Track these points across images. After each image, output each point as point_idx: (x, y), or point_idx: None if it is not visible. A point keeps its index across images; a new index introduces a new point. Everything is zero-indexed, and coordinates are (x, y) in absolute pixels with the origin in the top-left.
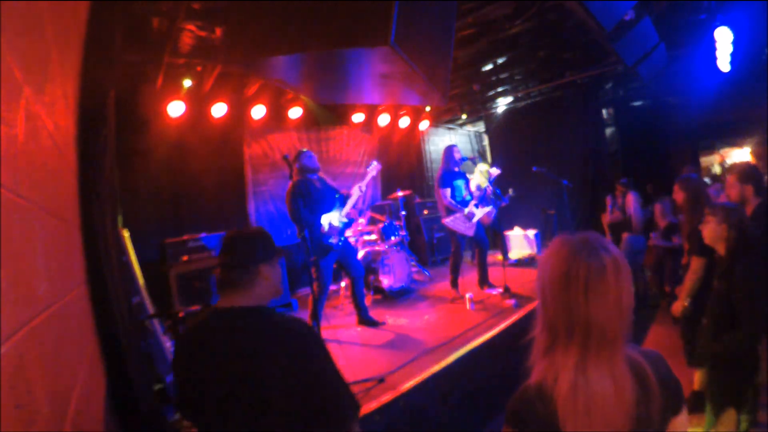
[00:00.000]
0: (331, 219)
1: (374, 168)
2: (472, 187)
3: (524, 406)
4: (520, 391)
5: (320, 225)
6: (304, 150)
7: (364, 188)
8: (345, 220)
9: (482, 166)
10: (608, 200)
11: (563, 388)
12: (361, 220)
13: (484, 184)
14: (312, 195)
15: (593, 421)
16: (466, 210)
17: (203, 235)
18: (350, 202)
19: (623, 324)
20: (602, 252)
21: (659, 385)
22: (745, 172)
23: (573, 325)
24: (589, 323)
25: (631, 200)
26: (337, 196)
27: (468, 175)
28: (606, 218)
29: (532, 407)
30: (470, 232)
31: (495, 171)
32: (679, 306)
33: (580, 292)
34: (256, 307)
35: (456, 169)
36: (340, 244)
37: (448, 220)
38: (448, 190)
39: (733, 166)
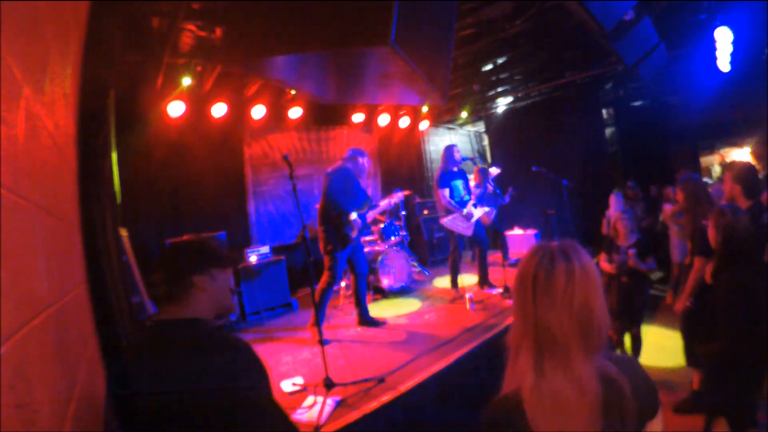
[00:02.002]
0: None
1: (397, 196)
2: (471, 186)
3: (497, 416)
4: (493, 402)
5: (349, 213)
6: (365, 152)
7: (395, 201)
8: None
9: (474, 166)
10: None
11: (526, 391)
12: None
13: (474, 183)
14: (353, 188)
15: (563, 422)
16: (465, 210)
17: (203, 235)
18: (375, 213)
19: (577, 329)
20: (560, 257)
21: (634, 393)
22: (738, 172)
23: (526, 326)
24: (537, 324)
25: (612, 202)
26: (368, 199)
27: (468, 176)
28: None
29: (505, 417)
30: (468, 232)
31: (495, 170)
32: (681, 305)
33: (529, 292)
34: (189, 319)
35: (455, 169)
36: (357, 240)
37: (446, 220)
38: (447, 191)
39: (732, 164)
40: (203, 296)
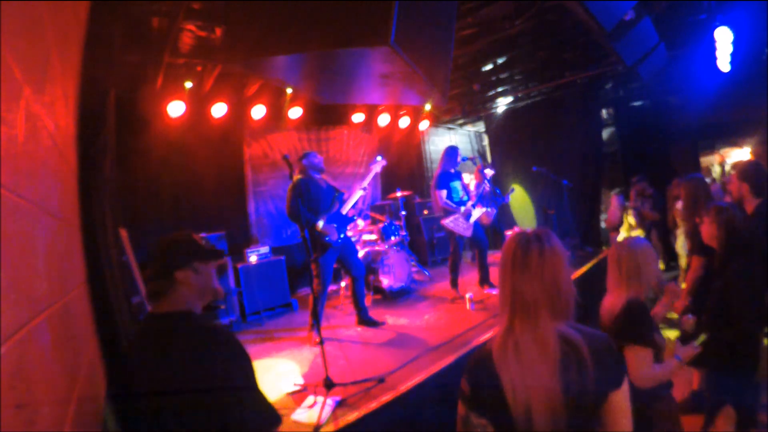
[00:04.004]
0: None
1: (379, 164)
2: (471, 187)
3: (476, 363)
4: (475, 352)
5: (316, 223)
6: (311, 151)
7: (366, 186)
8: (349, 215)
9: (474, 166)
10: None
11: (495, 342)
12: (360, 222)
13: (472, 184)
14: (312, 193)
15: (523, 370)
16: (462, 209)
17: (203, 235)
18: (352, 200)
19: (546, 297)
20: (533, 241)
21: (593, 358)
22: (743, 170)
23: (506, 294)
24: (514, 292)
25: (614, 203)
26: (336, 194)
27: (468, 176)
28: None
29: (482, 364)
30: (468, 233)
31: (489, 172)
32: (680, 305)
33: (508, 268)
34: (174, 312)
35: (452, 171)
36: (339, 241)
37: (447, 221)
38: (444, 192)
39: (736, 163)
40: (187, 290)
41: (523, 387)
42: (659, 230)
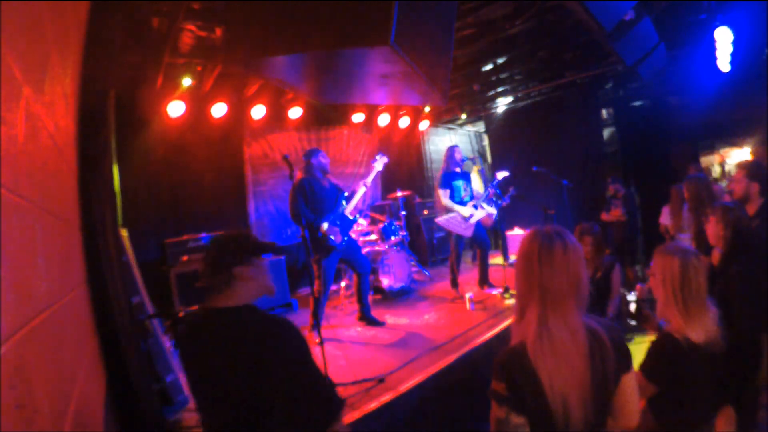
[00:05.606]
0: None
1: (380, 161)
2: (473, 188)
3: (509, 361)
4: (505, 350)
5: (320, 225)
6: (319, 149)
7: (369, 183)
8: (352, 216)
9: (474, 167)
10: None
11: (531, 336)
12: (362, 221)
13: (480, 187)
14: (317, 194)
15: (558, 362)
16: (466, 212)
17: (203, 235)
18: (356, 198)
19: (572, 290)
20: (556, 237)
21: (612, 345)
22: (754, 169)
23: (532, 288)
24: (543, 286)
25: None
26: (346, 195)
27: (471, 176)
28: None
29: (515, 361)
30: (468, 233)
31: (501, 174)
32: None
33: (535, 263)
34: (235, 307)
35: (457, 170)
36: (343, 243)
37: (441, 219)
38: (447, 191)
39: (743, 162)
40: (245, 285)
41: (560, 379)
42: (619, 232)
